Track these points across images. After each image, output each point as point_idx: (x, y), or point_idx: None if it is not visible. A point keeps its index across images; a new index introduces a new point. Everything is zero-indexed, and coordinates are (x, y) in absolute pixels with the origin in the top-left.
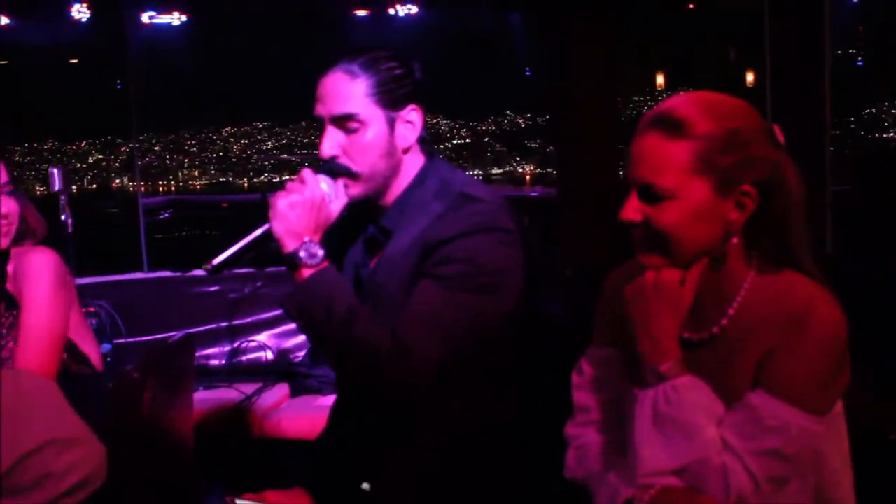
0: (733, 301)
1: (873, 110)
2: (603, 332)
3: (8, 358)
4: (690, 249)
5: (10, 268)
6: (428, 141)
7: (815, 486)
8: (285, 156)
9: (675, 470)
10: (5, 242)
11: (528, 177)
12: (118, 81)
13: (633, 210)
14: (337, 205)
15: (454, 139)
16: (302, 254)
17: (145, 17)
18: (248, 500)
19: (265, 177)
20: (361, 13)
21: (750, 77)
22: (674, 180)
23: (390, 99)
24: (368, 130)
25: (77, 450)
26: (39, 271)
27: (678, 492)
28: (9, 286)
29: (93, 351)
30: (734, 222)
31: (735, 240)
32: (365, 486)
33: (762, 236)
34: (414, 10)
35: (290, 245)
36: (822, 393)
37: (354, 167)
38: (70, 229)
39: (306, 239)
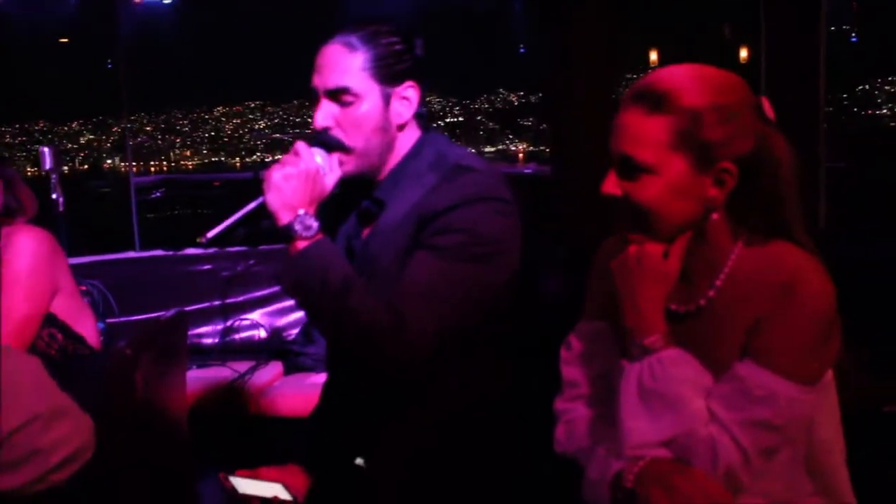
0: (720, 272)
1: (867, 87)
2: (592, 305)
3: None
4: (669, 224)
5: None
6: (425, 116)
7: (806, 455)
8: (277, 135)
9: (662, 442)
10: None
11: (520, 155)
12: (108, 61)
13: (612, 184)
14: (331, 178)
15: (447, 117)
16: (297, 226)
17: None
18: (242, 476)
19: (257, 156)
20: None
21: (744, 53)
22: (652, 155)
23: (387, 74)
24: (363, 104)
25: (63, 424)
26: (20, 250)
27: (667, 463)
28: None
29: (90, 330)
30: (714, 199)
31: (716, 216)
32: (359, 461)
33: (749, 211)
34: None
35: (284, 217)
36: (811, 362)
37: (347, 141)
38: (61, 208)
39: (301, 211)
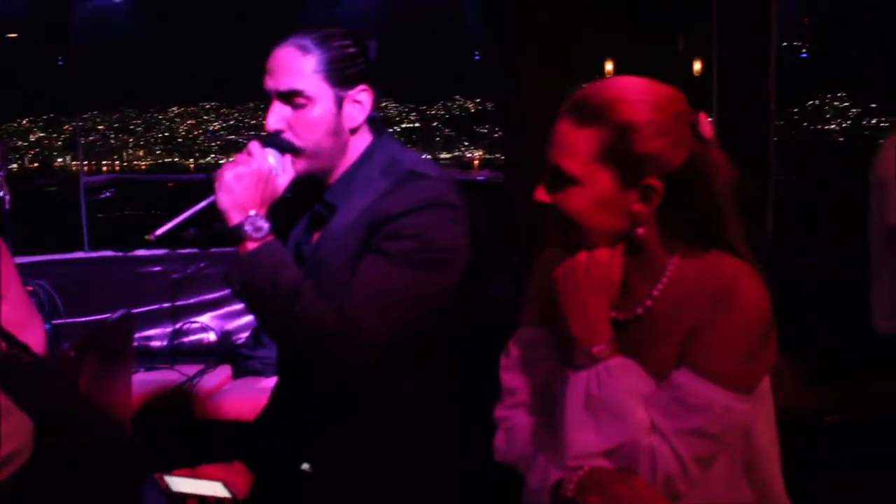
0: (658, 282)
1: (816, 102)
2: (532, 312)
3: None
4: (596, 235)
5: None
6: (379, 121)
7: (745, 463)
8: (232, 136)
9: (605, 451)
10: None
11: (476, 161)
12: (59, 58)
13: (542, 192)
14: (284, 179)
15: (403, 123)
16: (247, 227)
17: None
18: (179, 475)
19: (212, 157)
20: None
21: (697, 66)
22: (579, 167)
23: (340, 77)
24: (315, 107)
25: (3, 423)
26: None
27: (607, 472)
28: None
29: (38, 338)
30: (639, 213)
31: (641, 230)
32: (305, 466)
33: (683, 224)
34: None
35: (235, 218)
36: (746, 371)
37: (298, 143)
38: (7, 206)
39: (252, 212)
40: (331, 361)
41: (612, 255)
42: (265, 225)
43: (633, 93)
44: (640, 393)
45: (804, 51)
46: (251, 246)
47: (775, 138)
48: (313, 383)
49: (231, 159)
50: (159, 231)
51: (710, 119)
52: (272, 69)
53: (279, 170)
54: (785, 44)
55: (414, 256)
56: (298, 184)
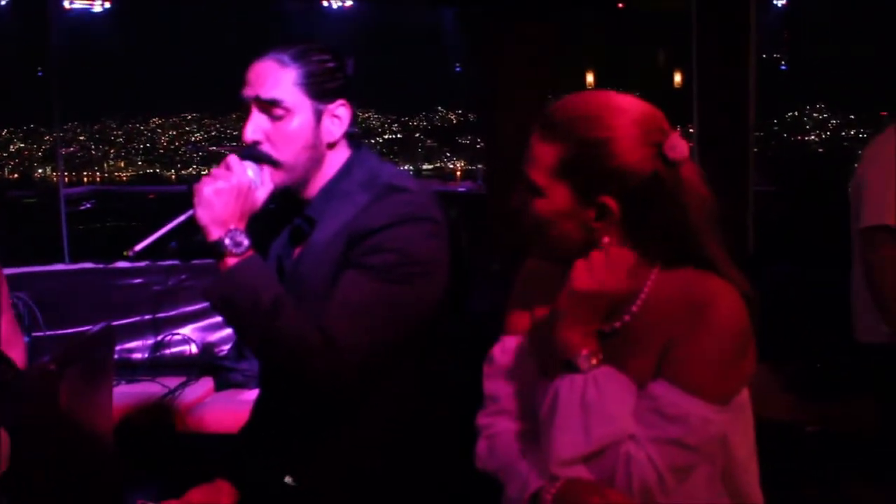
0: (637, 297)
1: (796, 113)
2: (515, 321)
3: None
4: (558, 246)
5: None
6: (357, 135)
7: (723, 474)
8: (214, 147)
9: (590, 454)
10: None
11: (458, 173)
12: (39, 69)
13: (516, 198)
14: (262, 192)
15: (385, 134)
16: (227, 242)
17: (66, 3)
18: None
19: (193, 168)
20: (294, 4)
21: (678, 78)
22: (542, 179)
23: (319, 91)
24: (294, 119)
25: None
26: None
27: (583, 484)
28: None
29: (19, 353)
30: (597, 230)
31: (607, 238)
32: (288, 479)
33: (655, 243)
34: (349, 3)
35: (214, 233)
36: (723, 383)
37: (276, 155)
38: None
39: (231, 227)
40: (311, 375)
41: (622, 277)
42: (245, 240)
43: (596, 110)
44: (628, 400)
45: (783, 63)
46: (231, 262)
47: (755, 149)
48: (294, 396)
49: (208, 173)
50: (138, 247)
51: (683, 139)
52: (251, 81)
53: (258, 182)
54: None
55: (394, 270)
56: (278, 196)
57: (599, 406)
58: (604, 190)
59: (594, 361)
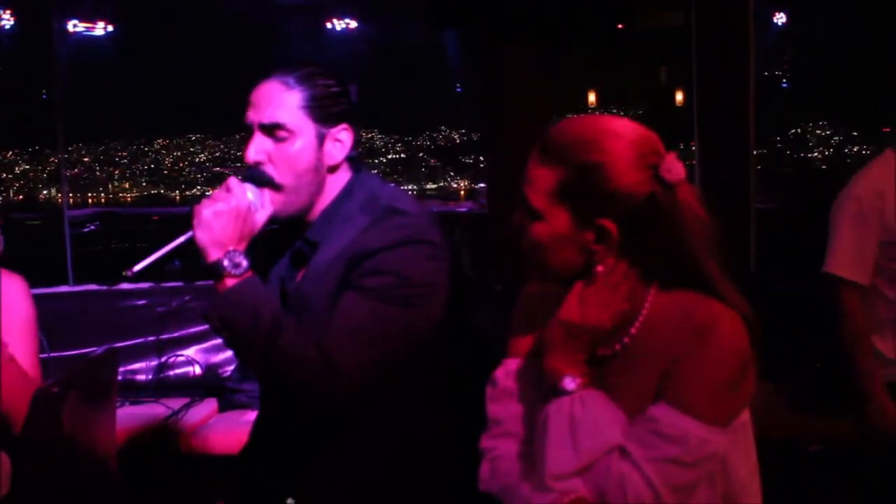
0: (636, 320)
1: (798, 130)
2: (517, 343)
3: None
4: (557, 268)
5: None
6: (358, 159)
7: (724, 495)
8: (218, 168)
9: (580, 469)
10: None
11: (462, 192)
12: (43, 91)
13: (517, 219)
14: (262, 214)
15: (389, 154)
16: (226, 263)
17: (70, 26)
18: None
19: (198, 189)
20: (298, 26)
21: (679, 96)
22: (541, 202)
23: (322, 114)
24: (296, 141)
25: None
26: (19, 294)
27: (587, 502)
28: None
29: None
30: (597, 252)
31: (600, 268)
32: (290, 501)
33: (653, 265)
34: (353, 24)
35: (213, 254)
36: (722, 405)
37: (278, 177)
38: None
39: (230, 248)
40: (310, 395)
41: (605, 313)
42: (244, 262)
43: (593, 135)
44: (613, 418)
45: (785, 80)
46: (230, 283)
47: (758, 167)
48: (295, 416)
49: (209, 195)
50: (137, 267)
51: (679, 161)
52: (255, 102)
53: (258, 205)
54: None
55: (392, 292)
56: (279, 221)
57: (585, 421)
58: (602, 213)
59: (581, 384)
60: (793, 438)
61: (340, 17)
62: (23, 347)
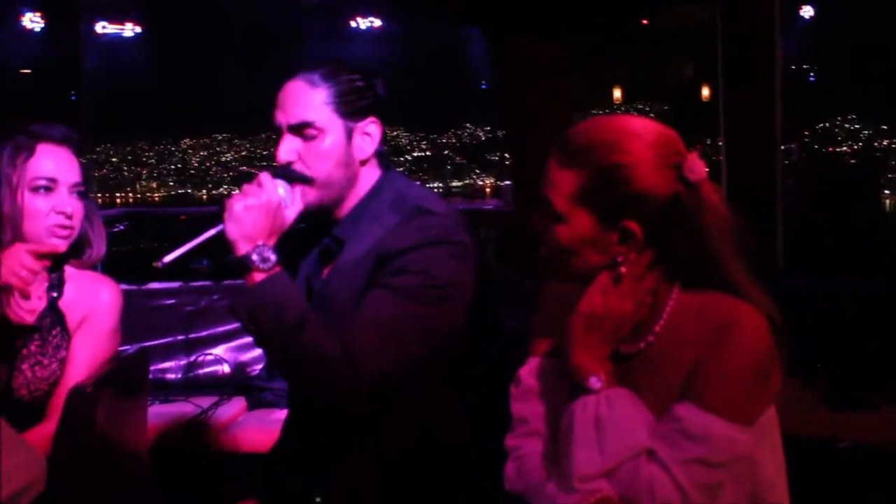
0: (660, 318)
1: (827, 124)
2: (542, 342)
3: (46, 378)
4: (579, 270)
5: (67, 288)
6: (386, 155)
7: (751, 494)
8: (244, 168)
9: (607, 471)
10: (64, 245)
11: (487, 189)
12: (72, 93)
13: (537, 220)
14: (292, 211)
15: (414, 151)
16: (254, 257)
17: (99, 28)
18: None
19: (224, 189)
20: (322, 25)
21: (706, 91)
22: (562, 205)
23: (349, 109)
24: (326, 138)
25: (12, 457)
26: (112, 305)
27: (613, 502)
28: (62, 305)
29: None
30: (621, 253)
31: (623, 269)
32: (318, 501)
33: (676, 263)
34: (377, 23)
35: (242, 248)
36: (746, 403)
37: (310, 173)
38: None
39: (260, 243)
40: (334, 393)
41: (627, 302)
42: (273, 256)
43: (613, 136)
44: (640, 418)
45: (812, 74)
46: (258, 277)
47: (786, 161)
48: (322, 415)
49: (240, 190)
50: (168, 258)
51: (701, 160)
52: (282, 103)
53: (288, 201)
54: (793, 67)
55: (418, 292)
56: (308, 216)
57: (612, 422)
58: (625, 214)
59: (606, 382)
60: (821, 435)
61: (364, 16)
62: (92, 359)
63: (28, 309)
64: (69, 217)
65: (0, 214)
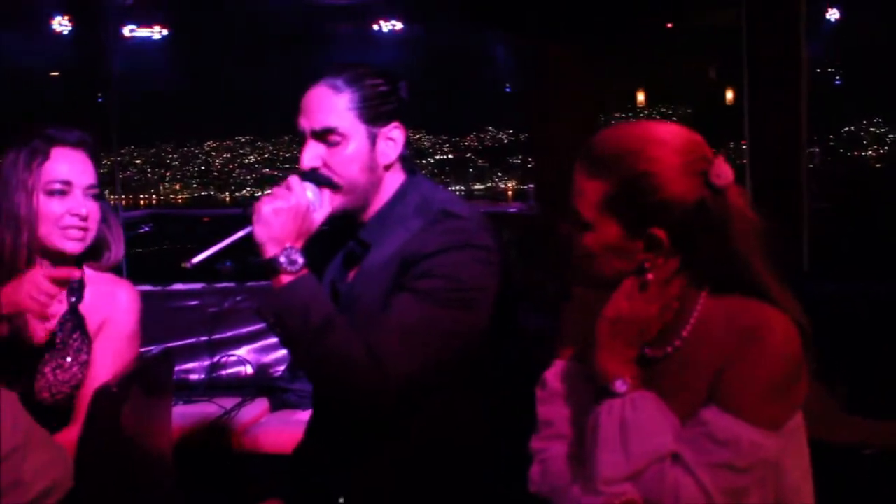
0: (687, 322)
1: (852, 128)
2: (568, 345)
3: (67, 381)
4: (606, 277)
5: (87, 292)
6: (410, 159)
7: (775, 501)
8: (267, 170)
9: (632, 474)
10: (79, 248)
11: (509, 192)
12: (99, 95)
13: (564, 226)
14: (320, 214)
15: (437, 154)
16: (282, 259)
17: (126, 31)
18: None
19: (247, 191)
20: (345, 28)
21: (730, 95)
22: (589, 214)
23: (373, 114)
24: (349, 144)
25: (41, 454)
26: (130, 308)
27: None
28: (82, 309)
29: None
30: (647, 260)
31: (650, 276)
32: (341, 501)
33: (704, 269)
34: (399, 26)
35: (270, 251)
36: (774, 408)
37: (336, 178)
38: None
39: (288, 245)
40: (359, 395)
41: (653, 307)
42: (300, 259)
43: (638, 144)
44: (665, 422)
45: (838, 78)
46: (286, 279)
47: (811, 165)
48: (346, 416)
49: (269, 192)
50: (196, 259)
51: (727, 164)
52: (305, 109)
53: (317, 204)
54: (819, 70)
55: (443, 295)
56: (334, 220)
57: (637, 425)
58: (652, 222)
59: (631, 385)
60: (847, 441)
61: (387, 19)
62: (113, 362)
63: (49, 313)
64: (84, 219)
65: (17, 217)
